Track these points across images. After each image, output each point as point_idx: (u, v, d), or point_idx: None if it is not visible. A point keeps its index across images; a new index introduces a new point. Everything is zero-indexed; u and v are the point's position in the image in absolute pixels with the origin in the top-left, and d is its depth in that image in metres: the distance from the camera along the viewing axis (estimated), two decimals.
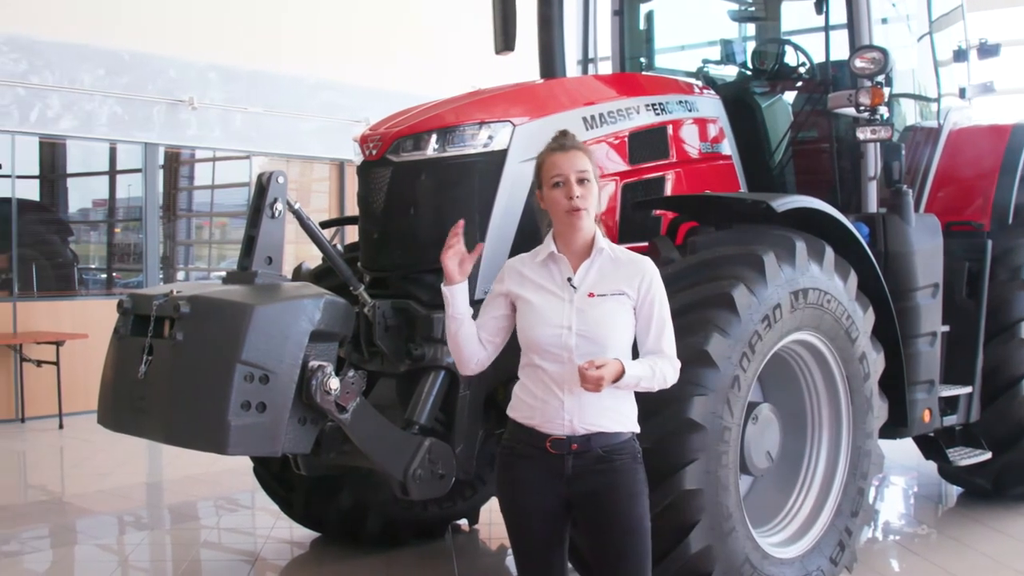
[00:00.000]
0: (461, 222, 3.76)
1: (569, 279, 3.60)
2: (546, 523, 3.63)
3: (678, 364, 3.67)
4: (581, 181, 3.58)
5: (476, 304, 3.83)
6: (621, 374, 3.42)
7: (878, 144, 6.14)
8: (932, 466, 7.78)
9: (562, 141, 3.69)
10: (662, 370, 3.58)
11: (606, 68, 7.53)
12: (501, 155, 5.09)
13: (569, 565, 3.85)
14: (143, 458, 9.75)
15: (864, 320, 5.48)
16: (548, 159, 3.67)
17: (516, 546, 3.75)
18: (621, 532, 3.56)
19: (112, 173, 13.69)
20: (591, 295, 3.56)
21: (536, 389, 3.58)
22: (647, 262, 3.68)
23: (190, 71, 13.13)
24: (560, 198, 3.59)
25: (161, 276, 13.31)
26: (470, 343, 3.72)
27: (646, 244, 5.30)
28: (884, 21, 6.66)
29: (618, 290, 3.57)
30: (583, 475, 3.53)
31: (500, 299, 3.74)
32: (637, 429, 3.66)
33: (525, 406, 3.62)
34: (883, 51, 5.76)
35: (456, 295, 3.67)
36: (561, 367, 3.52)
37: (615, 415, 3.56)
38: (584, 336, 3.51)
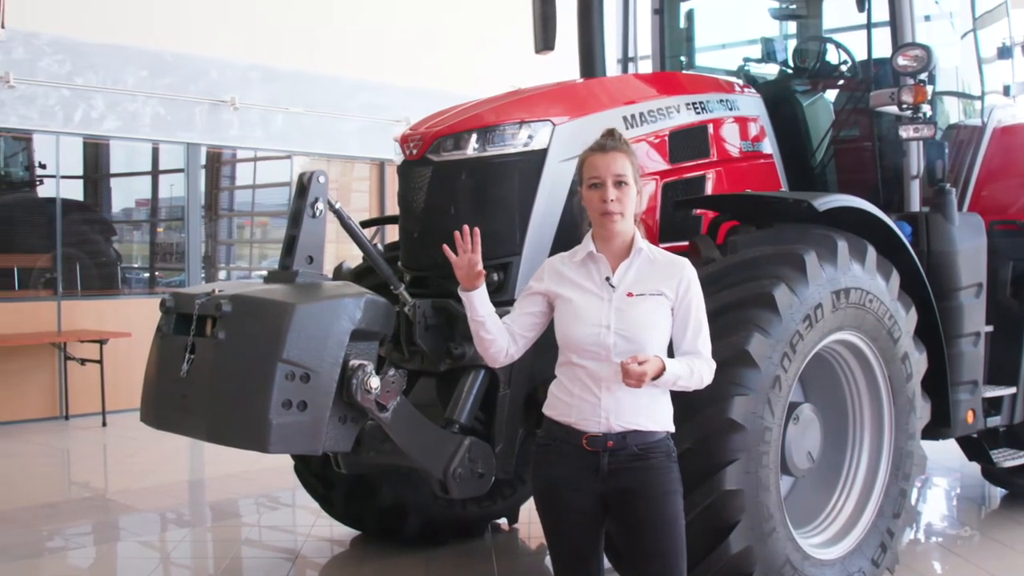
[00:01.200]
0: (465, 228, 3.76)
1: (608, 278, 3.62)
2: (582, 520, 3.63)
3: (714, 365, 3.70)
4: (618, 184, 3.60)
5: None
6: (661, 371, 3.44)
7: (921, 142, 6.08)
8: (975, 467, 7.72)
9: (604, 142, 3.71)
10: (699, 370, 3.60)
11: (646, 67, 7.51)
12: (541, 154, 5.09)
13: (607, 564, 3.85)
14: (185, 456, 9.82)
15: (907, 320, 5.44)
16: (588, 159, 3.70)
17: (552, 544, 3.76)
18: (655, 530, 3.57)
19: (155, 173, 13.79)
20: (630, 295, 3.59)
21: (573, 387, 3.60)
22: (685, 263, 3.70)
23: (232, 72, 13.21)
24: (595, 200, 3.63)
25: (203, 275, 13.40)
26: (495, 342, 3.77)
27: (686, 243, 5.28)
28: (927, 18, 6.61)
29: (656, 290, 3.59)
30: (618, 472, 3.54)
31: (537, 297, 3.77)
32: (672, 428, 3.67)
33: (562, 404, 3.64)
34: (926, 48, 5.72)
35: (474, 300, 3.73)
36: (599, 366, 3.54)
37: (651, 414, 3.58)
38: (622, 335, 3.52)
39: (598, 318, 3.56)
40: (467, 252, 3.73)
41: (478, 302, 3.73)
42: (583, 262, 3.70)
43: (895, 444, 5.45)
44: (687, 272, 3.67)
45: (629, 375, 3.37)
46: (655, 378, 3.44)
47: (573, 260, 3.73)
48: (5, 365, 11.19)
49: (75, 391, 11.64)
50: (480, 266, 3.73)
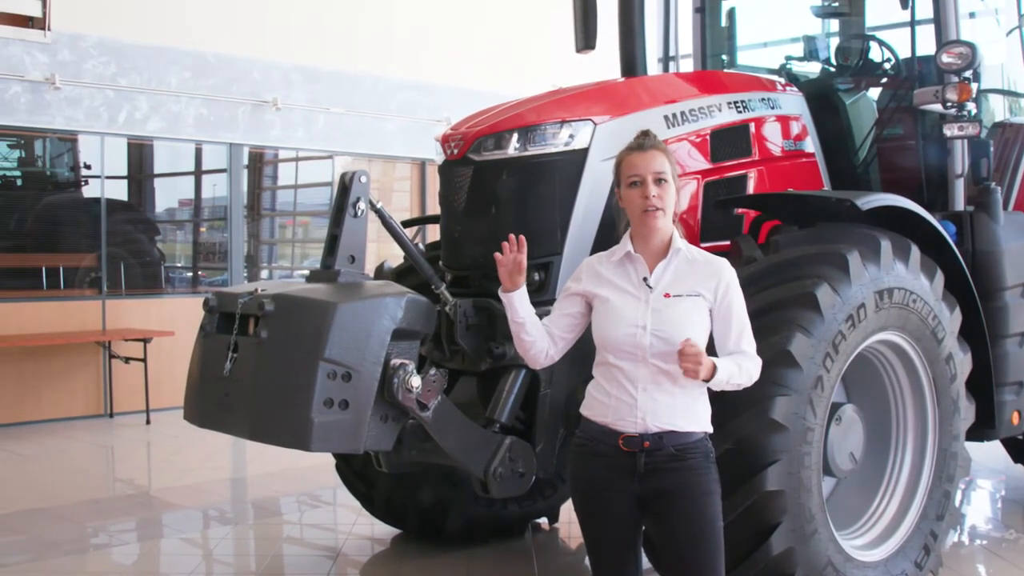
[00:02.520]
0: (512, 237, 3.81)
1: (645, 279, 3.62)
2: (619, 520, 3.63)
3: (760, 361, 3.69)
4: (658, 182, 3.60)
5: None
6: (713, 373, 3.45)
7: (965, 141, 6.04)
8: (1020, 469, 7.64)
9: (641, 141, 3.70)
10: (748, 368, 3.61)
11: (687, 66, 7.49)
12: (582, 154, 5.08)
13: (646, 563, 3.85)
14: (228, 454, 9.89)
15: (951, 320, 5.40)
16: (626, 158, 3.69)
17: (590, 543, 3.76)
18: (692, 531, 3.55)
19: (198, 173, 13.89)
20: (667, 295, 3.58)
21: (610, 387, 3.60)
22: (724, 264, 3.68)
23: (274, 72, 13.29)
24: (636, 198, 3.62)
25: (245, 275, 13.48)
26: (535, 344, 3.80)
27: (728, 243, 5.26)
28: (972, 15, 6.56)
29: (694, 291, 3.59)
30: (655, 473, 3.54)
31: (576, 297, 3.78)
32: (710, 429, 3.67)
33: (599, 404, 3.64)
34: (971, 46, 5.67)
35: (514, 301, 3.77)
36: (635, 366, 3.54)
37: (688, 414, 3.58)
38: (659, 336, 3.52)
39: (635, 318, 3.56)
40: (513, 252, 3.77)
41: (518, 303, 3.76)
42: (621, 262, 3.70)
43: (939, 445, 5.41)
44: (726, 272, 3.65)
45: (685, 356, 3.37)
46: (707, 380, 3.46)
47: (611, 260, 3.74)
48: (51, 363, 11.31)
49: (119, 389, 11.76)
50: (524, 265, 3.76)
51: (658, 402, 3.53)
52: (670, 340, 3.49)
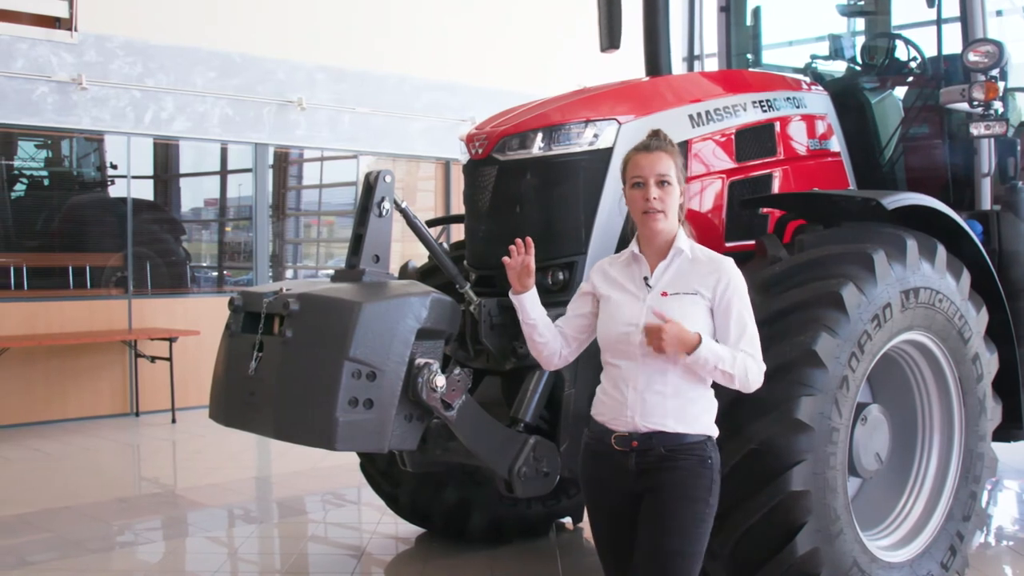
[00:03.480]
0: (519, 240, 3.81)
1: (646, 278, 3.63)
2: (619, 519, 3.64)
3: (764, 367, 3.60)
4: (661, 184, 3.59)
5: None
6: (695, 346, 3.39)
7: (992, 140, 6.01)
8: None
9: (648, 142, 3.71)
10: (744, 362, 3.50)
11: (712, 65, 7.47)
12: (607, 153, 5.08)
13: None
14: (253, 453, 9.93)
15: (977, 320, 5.37)
16: (632, 159, 3.69)
17: (596, 542, 3.78)
18: (662, 529, 3.50)
19: (223, 173, 13.95)
20: (664, 294, 3.58)
21: (609, 387, 3.63)
22: (726, 262, 3.66)
23: (299, 72, 13.33)
24: (638, 199, 3.62)
25: (270, 274, 13.52)
26: (548, 345, 3.82)
27: (752, 243, 5.25)
28: (999, 13, 6.52)
29: (692, 289, 3.57)
30: (647, 473, 3.53)
31: (587, 298, 3.81)
32: (709, 432, 3.61)
33: (601, 404, 3.67)
34: (998, 44, 5.64)
35: (524, 303, 3.78)
36: (629, 364, 3.55)
37: (680, 415, 3.53)
38: None
39: (630, 317, 3.57)
40: (521, 255, 3.78)
41: (529, 305, 3.78)
42: (627, 262, 3.73)
43: (965, 446, 5.38)
44: (727, 271, 3.61)
45: (647, 330, 3.38)
46: (689, 353, 3.40)
47: (619, 261, 3.77)
48: (78, 362, 11.39)
49: (145, 388, 11.82)
50: (532, 267, 3.77)
51: (646, 401, 3.51)
52: None
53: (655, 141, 3.69)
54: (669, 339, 3.36)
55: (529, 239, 3.82)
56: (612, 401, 3.60)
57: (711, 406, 3.64)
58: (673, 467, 3.50)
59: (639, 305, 3.58)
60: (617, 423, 3.57)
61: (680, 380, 3.52)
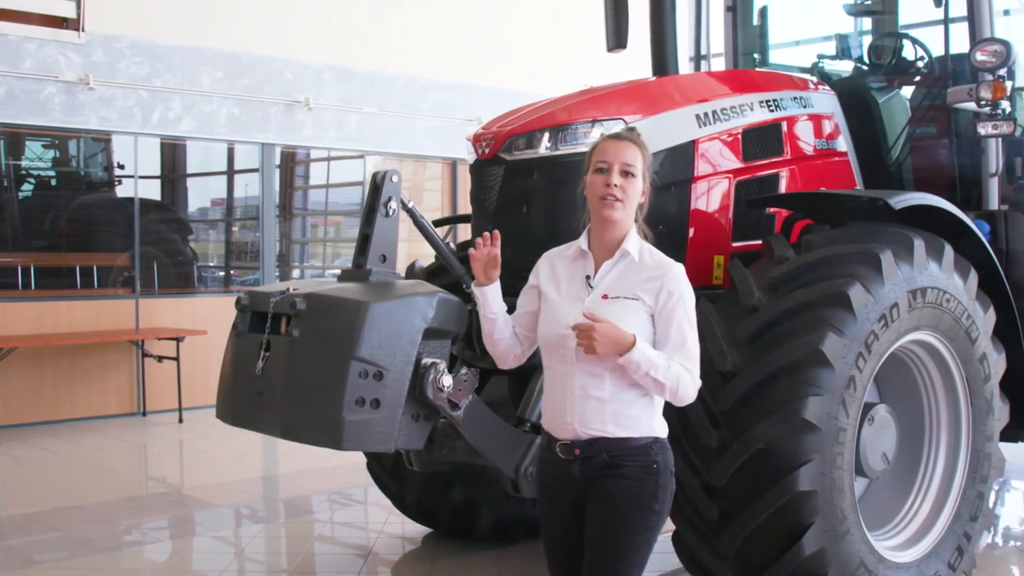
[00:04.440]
0: (490, 232, 3.67)
1: (588, 277, 3.52)
2: (565, 526, 3.54)
3: (699, 382, 3.44)
4: (624, 174, 3.46)
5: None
6: (628, 347, 3.26)
7: (1000, 139, 6.00)
8: None
9: (620, 132, 3.65)
10: (677, 371, 3.34)
11: (719, 64, 7.47)
12: None
13: None
14: (260, 452, 9.94)
15: (985, 320, 5.36)
16: (600, 145, 3.57)
17: (544, 546, 3.71)
18: (601, 538, 3.42)
19: (230, 173, 13.97)
20: (604, 297, 3.45)
21: (548, 391, 3.54)
22: (674, 269, 3.48)
23: (306, 72, 13.34)
24: (598, 184, 3.47)
25: (277, 274, 13.54)
26: (504, 341, 3.69)
27: (759, 242, 5.24)
28: (1006, 13, 6.51)
29: (633, 295, 3.42)
30: (591, 481, 3.43)
31: (533, 291, 3.68)
32: (655, 434, 3.47)
33: (545, 409, 3.58)
34: (1005, 44, 5.63)
35: (487, 295, 3.63)
36: (566, 368, 3.43)
37: (622, 420, 3.40)
38: None
39: (567, 319, 3.42)
40: (487, 247, 3.62)
41: (491, 298, 3.64)
42: (574, 257, 3.60)
43: (972, 446, 5.38)
44: (673, 279, 3.45)
45: (578, 330, 3.25)
46: (621, 354, 3.27)
47: (566, 255, 3.63)
48: (85, 362, 11.41)
49: (152, 388, 11.84)
50: (499, 259, 3.62)
51: (585, 407, 3.39)
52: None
53: (628, 132, 3.61)
54: (601, 339, 3.23)
55: (496, 232, 3.67)
56: (553, 407, 3.49)
57: (654, 407, 3.48)
58: (618, 475, 3.38)
59: (578, 307, 3.45)
60: (560, 430, 3.46)
61: (617, 383, 3.38)
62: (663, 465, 3.45)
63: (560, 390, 3.46)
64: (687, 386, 3.37)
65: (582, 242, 3.58)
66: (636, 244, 3.51)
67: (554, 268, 3.63)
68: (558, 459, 3.47)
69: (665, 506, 3.47)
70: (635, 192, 3.49)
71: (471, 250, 3.70)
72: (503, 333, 3.68)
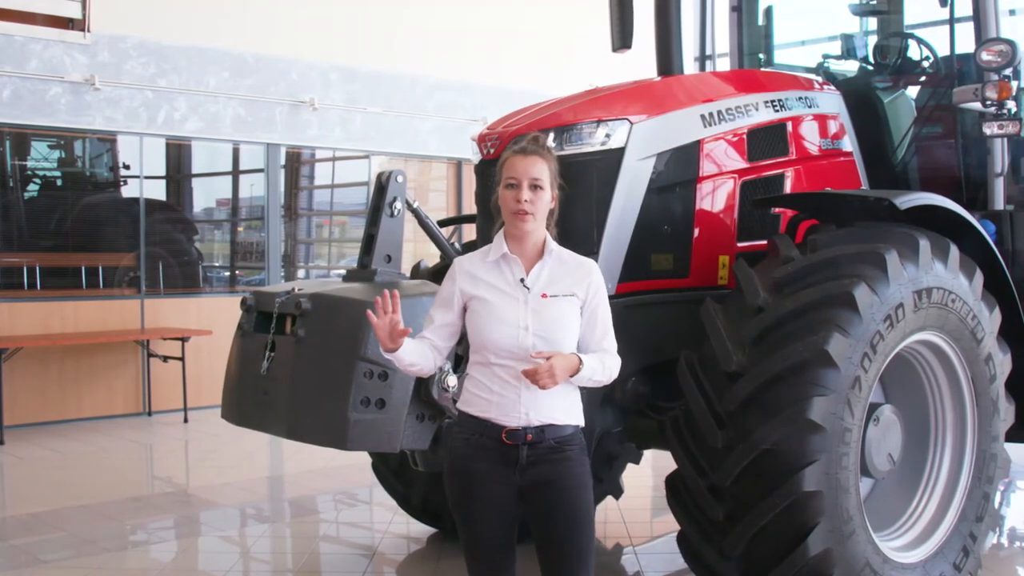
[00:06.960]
0: (385, 292, 3.53)
1: (522, 280, 3.66)
2: (498, 512, 3.68)
3: (619, 360, 3.76)
4: (533, 188, 3.64)
5: None
6: (577, 369, 3.54)
7: (1005, 139, 5.99)
8: None
9: (525, 145, 3.73)
10: (610, 365, 3.70)
11: (724, 65, 7.46)
12: (618, 153, 5.08)
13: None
14: (265, 452, 9.95)
15: (990, 320, 5.35)
16: (508, 160, 3.71)
17: (467, 541, 3.79)
18: (568, 519, 3.65)
19: (235, 173, 13.98)
20: (544, 296, 3.64)
21: (492, 385, 3.63)
22: (592, 264, 3.78)
23: (311, 73, 13.35)
24: (510, 200, 3.66)
25: (282, 274, 13.55)
26: (426, 367, 3.76)
27: (765, 242, 5.24)
28: (1012, 12, 6.50)
29: (569, 291, 3.67)
30: (536, 464, 3.62)
31: (452, 302, 3.73)
32: (582, 423, 3.74)
33: (481, 401, 3.66)
34: (1011, 43, 5.62)
35: (401, 357, 3.61)
36: (519, 365, 3.57)
37: (567, 407, 3.67)
38: (540, 336, 3.58)
39: (516, 319, 3.61)
40: (388, 314, 3.54)
41: (404, 355, 3.62)
42: (496, 263, 3.72)
43: (978, 446, 5.37)
44: (595, 274, 3.74)
45: (539, 376, 3.43)
46: (572, 375, 3.53)
47: (485, 261, 3.74)
48: (91, 362, 11.43)
49: (158, 388, 11.86)
50: (401, 326, 3.53)
51: (540, 397, 3.58)
52: (551, 340, 3.58)
53: (532, 145, 3.73)
54: (560, 373, 3.47)
55: (396, 292, 3.57)
56: (500, 399, 3.61)
57: (580, 397, 3.75)
58: (562, 457, 3.64)
59: (521, 307, 3.62)
60: (508, 419, 3.60)
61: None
62: (585, 449, 3.77)
63: (512, 383, 3.60)
64: (613, 367, 3.73)
65: (502, 246, 3.71)
66: (554, 245, 3.74)
67: (474, 275, 3.72)
68: (500, 445, 3.62)
69: (592, 487, 3.80)
70: (544, 203, 3.70)
71: (371, 317, 3.55)
72: (420, 366, 3.74)
